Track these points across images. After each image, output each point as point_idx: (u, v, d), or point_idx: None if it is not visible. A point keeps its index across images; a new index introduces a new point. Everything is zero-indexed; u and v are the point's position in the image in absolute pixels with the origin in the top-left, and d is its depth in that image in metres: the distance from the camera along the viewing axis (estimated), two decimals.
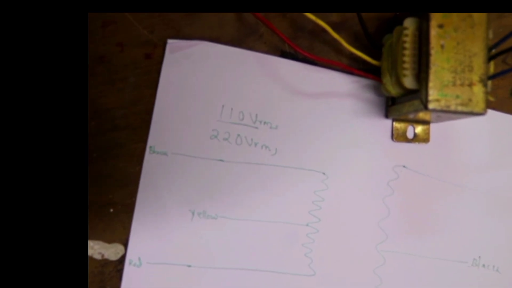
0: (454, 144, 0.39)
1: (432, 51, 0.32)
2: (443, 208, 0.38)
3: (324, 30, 0.36)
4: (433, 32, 0.32)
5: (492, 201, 0.39)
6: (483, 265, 0.39)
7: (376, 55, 0.37)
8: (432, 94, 0.32)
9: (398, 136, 0.38)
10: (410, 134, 0.38)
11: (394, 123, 0.38)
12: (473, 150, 0.39)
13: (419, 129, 0.38)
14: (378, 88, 0.38)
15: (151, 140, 0.37)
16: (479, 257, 0.39)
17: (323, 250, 0.37)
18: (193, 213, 0.37)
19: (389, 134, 0.38)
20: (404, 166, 0.38)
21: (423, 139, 0.38)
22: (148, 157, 0.37)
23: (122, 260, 0.36)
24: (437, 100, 0.32)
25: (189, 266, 0.36)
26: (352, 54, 0.37)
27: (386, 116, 0.38)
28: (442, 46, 0.32)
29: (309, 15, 0.36)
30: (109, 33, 0.38)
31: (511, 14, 0.41)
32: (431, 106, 0.32)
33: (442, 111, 0.33)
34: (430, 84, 0.32)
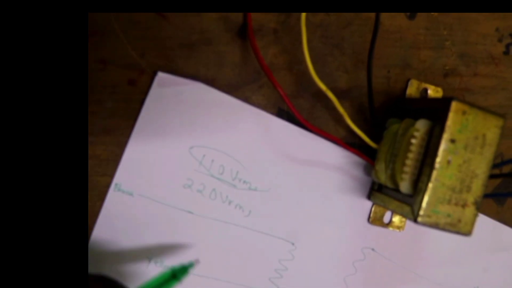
0: (426, 236, 0.38)
1: (437, 166, 0.30)
2: None
3: (327, 97, 0.34)
4: (444, 146, 0.30)
5: None
6: None
7: (374, 133, 0.35)
8: (426, 209, 0.31)
9: (375, 220, 0.37)
10: (386, 219, 0.37)
11: (373, 207, 0.37)
12: (441, 245, 0.39)
13: (396, 217, 0.37)
14: (367, 168, 0.36)
15: (118, 177, 0.33)
16: None
17: None
18: (149, 260, 0.34)
19: (366, 215, 0.37)
20: (373, 249, 0.37)
21: (398, 226, 0.38)
22: (111, 194, 0.33)
23: None
24: (428, 216, 0.31)
25: None
26: (351, 127, 0.35)
27: (368, 197, 0.37)
28: (448, 162, 0.31)
29: (318, 81, 0.33)
30: (93, 45, 0.32)
31: None
32: (420, 220, 0.31)
33: (429, 226, 0.32)
34: (426, 199, 0.31)
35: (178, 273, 0.30)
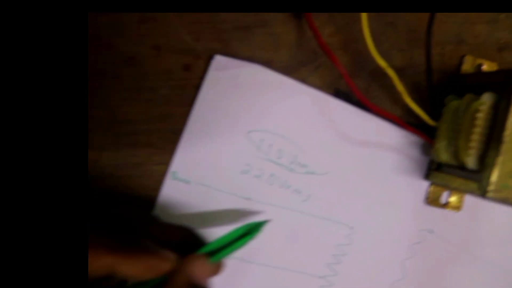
0: (484, 216, 0.38)
1: (506, 139, 0.30)
2: (457, 277, 0.38)
3: (384, 74, 0.33)
4: None
5: (502, 276, 0.39)
6: None
7: (431, 112, 0.34)
8: (495, 184, 0.30)
9: (432, 201, 0.36)
10: (443, 200, 0.37)
11: (431, 187, 0.36)
12: (498, 225, 0.38)
13: (454, 197, 0.37)
14: (425, 147, 0.35)
15: (175, 165, 0.33)
16: None
17: None
18: None
19: (423, 196, 0.36)
20: (430, 231, 0.37)
21: (455, 207, 0.37)
22: (168, 182, 0.33)
23: None
24: (498, 191, 0.30)
25: None
26: (407, 105, 0.34)
27: (426, 177, 0.36)
28: None
29: (378, 58, 0.32)
30: (146, 32, 0.32)
31: None
32: (490, 195, 0.30)
33: (498, 201, 0.31)
34: (495, 173, 0.30)
35: (252, 229, 0.29)
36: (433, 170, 0.36)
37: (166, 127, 0.32)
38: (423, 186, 0.36)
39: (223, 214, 0.33)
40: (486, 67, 0.36)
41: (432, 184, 0.36)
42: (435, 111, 0.34)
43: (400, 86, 0.33)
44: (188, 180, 0.33)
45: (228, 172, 0.33)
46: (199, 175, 0.33)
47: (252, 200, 0.33)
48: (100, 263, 0.23)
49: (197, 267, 0.25)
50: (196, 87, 0.32)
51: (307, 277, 0.35)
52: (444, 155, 0.34)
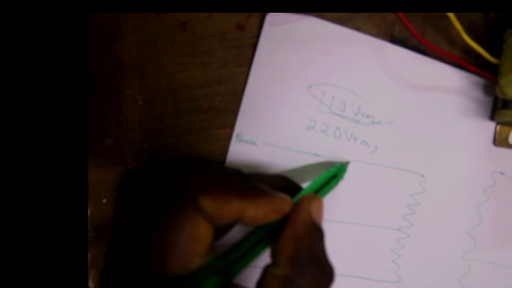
0: None
1: None
2: None
3: (439, 16, 0.32)
4: None
5: None
6: None
7: (492, 51, 0.33)
8: None
9: (500, 142, 0.35)
10: (511, 140, 0.36)
11: (498, 127, 0.35)
12: None
13: None
14: (488, 87, 0.35)
15: (239, 127, 0.32)
16: None
17: (411, 257, 0.35)
18: None
19: (491, 137, 0.35)
20: (502, 173, 0.36)
21: None
22: (234, 145, 0.32)
23: None
24: None
25: None
26: (465, 47, 0.33)
27: (491, 117, 0.35)
28: None
29: None
30: None
31: None
32: None
33: None
34: None
35: (338, 171, 0.29)
36: (498, 108, 0.34)
37: (226, 89, 0.32)
38: (490, 127, 0.35)
39: (297, 171, 0.32)
40: None
41: (498, 124, 0.35)
42: (494, 49, 0.34)
43: (457, 24, 0.32)
44: (253, 141, 0.32)
45: (293, 129, 0.32)
46: (264, 135, 0.32)
47: (320, 156, 0.33)
48: (231, 207, 0.23)
49: (314, 206, 0.25)
50: (252, 46, 0.32)
51: (384, 231, 0.34)
52: (510, 90, 0.33)
